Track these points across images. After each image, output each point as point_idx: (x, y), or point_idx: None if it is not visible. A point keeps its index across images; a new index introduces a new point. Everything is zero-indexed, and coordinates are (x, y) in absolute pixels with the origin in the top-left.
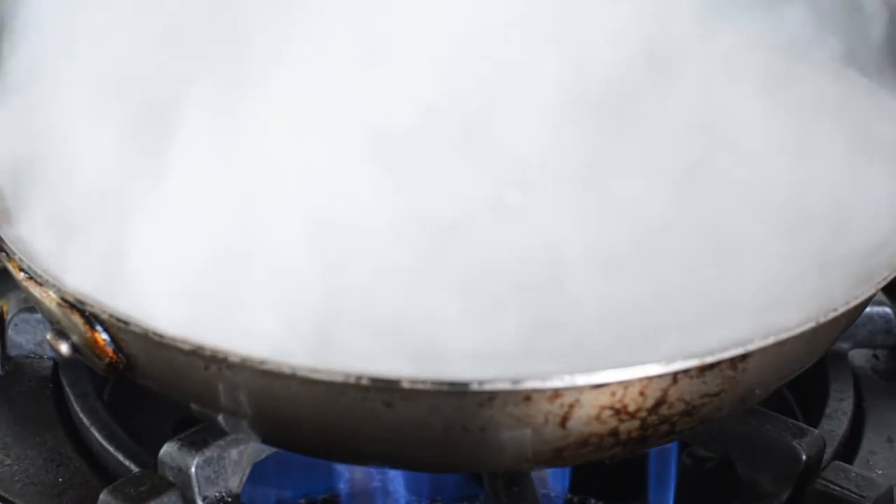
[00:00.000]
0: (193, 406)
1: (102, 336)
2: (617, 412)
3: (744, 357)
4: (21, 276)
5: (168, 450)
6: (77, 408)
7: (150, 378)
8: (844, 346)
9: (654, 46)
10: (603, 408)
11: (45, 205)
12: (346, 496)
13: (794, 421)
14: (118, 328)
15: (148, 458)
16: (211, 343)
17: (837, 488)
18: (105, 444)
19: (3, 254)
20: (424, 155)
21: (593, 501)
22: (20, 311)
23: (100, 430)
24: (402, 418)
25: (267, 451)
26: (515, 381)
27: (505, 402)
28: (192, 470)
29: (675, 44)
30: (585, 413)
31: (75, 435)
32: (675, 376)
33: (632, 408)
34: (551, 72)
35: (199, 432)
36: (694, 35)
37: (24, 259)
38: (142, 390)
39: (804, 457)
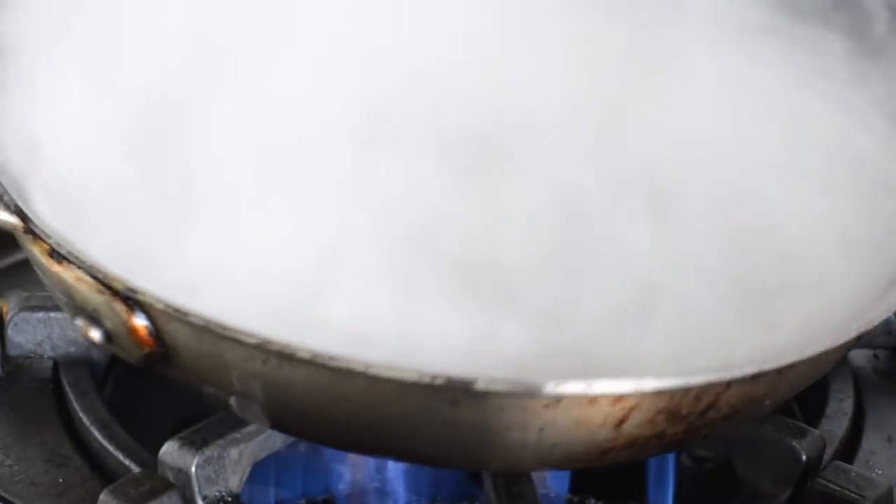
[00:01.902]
0: (233, 400)
1: (143, 323)
2: (670, 416)
3: (792, 366)
4: (48, 260)
5: (168, 450)
6: (77, 408)
7: (190, 370)
8: None
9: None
10: (658, 412)
11: (47, 191)
12: (346, 496)
13: (794, 421)
14: (168, 316)
15: (148, 458)
16: (278, 337)
17: (837, 488)
18: (105, 444)
19: (30, 235)
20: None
21: (593, 501)
22: (20, 310)
23: (100, 430)
24: (465, 418)
25: (267, 450)
26: (588, 384)
27: (571, 404)
28: (192, 470)
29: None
30: (642, 417)
31: (75, 435)
32: (729, 383)
33: (684, 412)
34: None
35: (199, 432)
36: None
37: (60, 241)
38: (142, 390)
39: (804, 457)
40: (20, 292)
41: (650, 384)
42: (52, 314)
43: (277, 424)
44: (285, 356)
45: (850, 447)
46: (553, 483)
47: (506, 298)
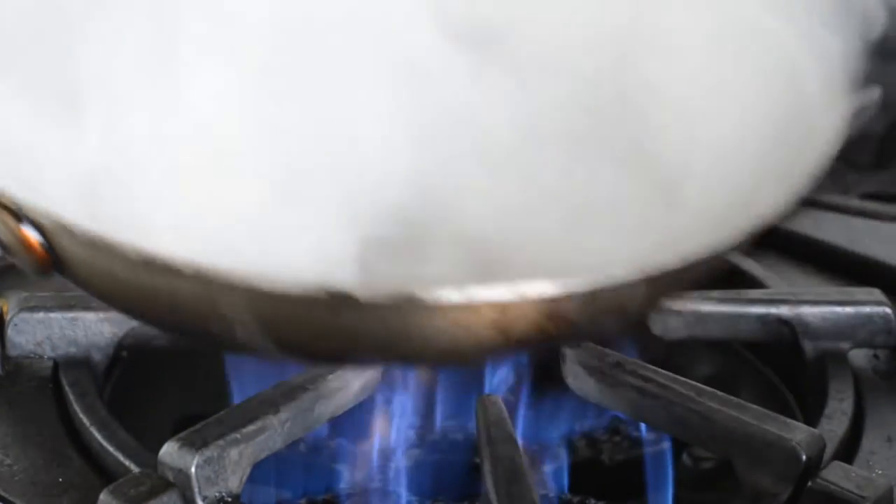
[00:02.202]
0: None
1: (34, 236)
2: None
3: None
4: None
5: (168, 450)
6: (77, 408)
7: (84, 282)
8: (844, 346)
9: None
10: (541, 315)
11: None
12: (346, 496)
13: (794, 421)
14: (55, 230)
15: (148, 457)
16: (164, 254)
17: (837, 488)
18: (105, 444)
19: None
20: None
21: (593, 501)
22: (20, 310)
23: (100, 430)
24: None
25: (267, 451)
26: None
27: (447, 312)
28: (192, 470)
29: None
30: (523, 322)
31: (75, 435)
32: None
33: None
34: None
35: (199, 432)
36: None
37: None
38: (142, 390)
39: (804, 457)
40: (20, 292)
41: (526, 289)
42: (52, 314)
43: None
44: (171, 270)
45: (850, 447)
46: (553, 483)
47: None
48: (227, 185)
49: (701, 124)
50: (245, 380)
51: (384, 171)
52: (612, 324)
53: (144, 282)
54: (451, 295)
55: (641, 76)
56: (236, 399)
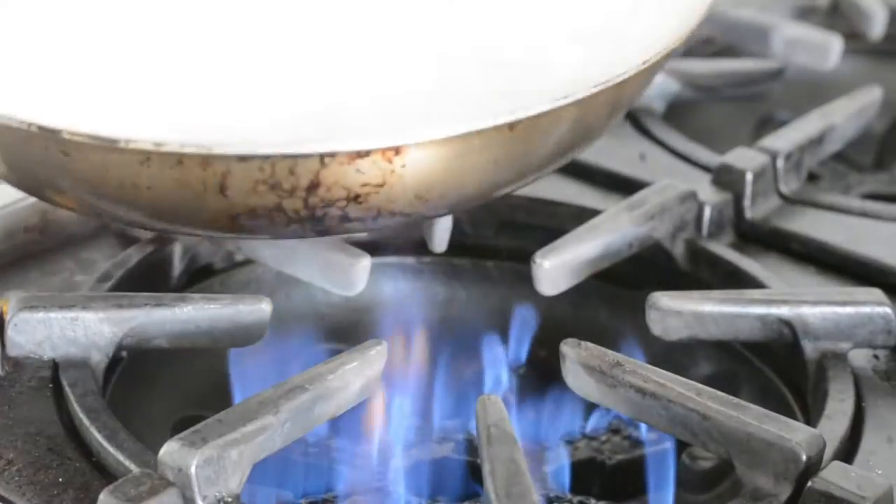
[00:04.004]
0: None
1: None
2: (273, 187)
3: (397, 150)
4: None
5: (168, 450)
6: (77, 408)
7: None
8: (844, 346)
9: None
10: (256, 181)
11: None
12: (346, 496)
13: (794, 421)
14: None
15: (148, 457)
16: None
17: (837, 488)
18: (105, 444)
19: None
20: None
21: (593, 501)
22: (20, 310)
23: (100, 430)
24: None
25: (267, 451)
26: (158, 144)
27: (161, 164)
28: (192, 470)
29: None
30: (240, 185)
31: (75, 435)
32: (322, 159)
33: (286, 186)
34: None
35: (199, 432)
36: None
37: None
38: (142, 390)
39: (804, 457)
40: (20, 292)
41: (219, 149)
42: (52, 314)
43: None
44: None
45: (850, 447)
46: (553, 483)
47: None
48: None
49: None
50: (248, 380)
51: None
52: None
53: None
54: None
55: None
56: (237, 399)
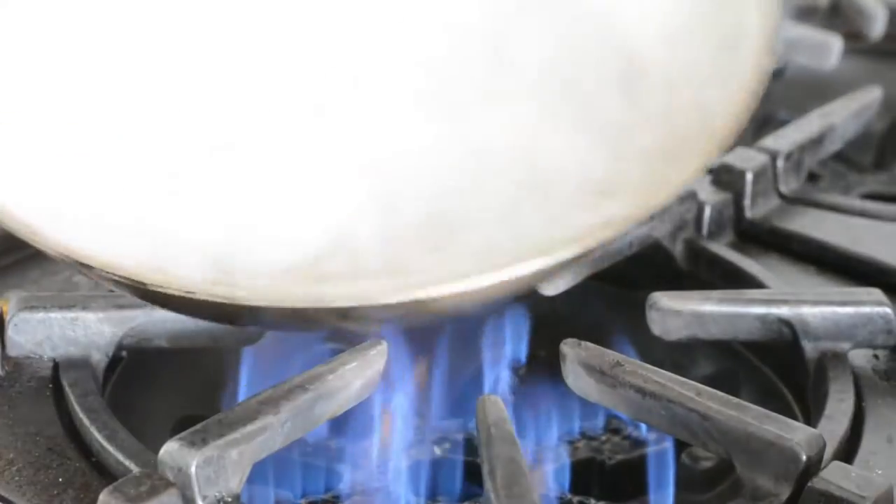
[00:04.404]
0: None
1: None
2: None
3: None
4: None
5: (168, 450)
6: (77, 408)
7: None
8: (844, 346)
9: None
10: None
11: None
12: (346, 496)
13: (794, 421)
14: None
15: (148, 457)
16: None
17: (837, 488)
18: (105, 444)
19: None
20: None
21: (593, 501)
22: (20, 310)
23: (100, 430)
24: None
25: (267, 451)
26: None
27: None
28: (192, 470)
29: None
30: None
31: (75, 435)
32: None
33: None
34: None
35: (199, 432)
36: None
37: None
38: (142, 390)
39: (804, 457)
40: (20, 292)
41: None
42: (52, 314)
43: None
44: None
45: (850, 447)
46: (553, 483)
47: None
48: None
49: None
50: (248, 380)
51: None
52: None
53: None
54: None
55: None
56: (237, 399)
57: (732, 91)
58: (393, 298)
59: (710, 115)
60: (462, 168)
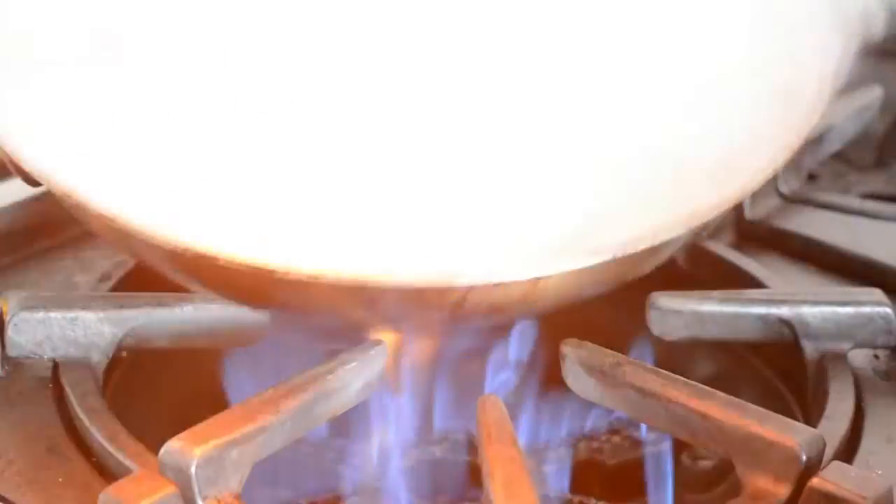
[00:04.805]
0: None
1: None
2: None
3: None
4: None
5: (168, 450)
6: (77, 408)
7: None
8: (844, 346)
9: None
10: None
11: None
12: (346, 496)
13: (794, 421)
14: None
15: (148, 458)
16: None
17: (837, 488)
18: (105, 444)
19: None
20: None
21: (593, 501)
22: (20, 310)
23: (100, 430)
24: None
25: (267, 451)
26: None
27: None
28: (192, 470)
29: None
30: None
31: (75, 435)
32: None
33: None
34: None
35: (199, 432)
36: None
37: None
38: (142, 390)
39: (804, 457)
40: (20, 292)
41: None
42: (52, 314)
43: None
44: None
45: (850, 447)
46: (553, 483)
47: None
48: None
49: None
50: (247, 380)
51: None
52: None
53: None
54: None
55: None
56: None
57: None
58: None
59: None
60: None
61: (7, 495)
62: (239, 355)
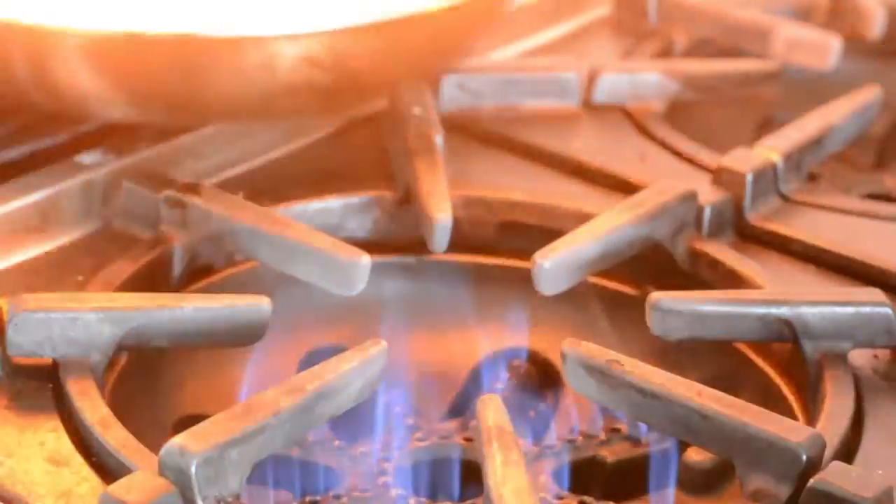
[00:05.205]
0: None
1: None
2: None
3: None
4: None
5: (168, 450)
6: (77, 408)
7: None
8: (844, 346)
9: None
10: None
11: None
12: (346, 496)
13: (794, 421)
14: None
15: (148, 458)
16: None
17: (837, 488)
18: (105, 444)
19: None
20: None
21: (593, 501)
22: (20, 310)
23: (100, 430)
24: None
25: (267, 451)
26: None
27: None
28: (192, 470)
29: None
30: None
31: (75, 435)
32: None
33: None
34: None
35: (199, 432)
36: None
37: None
38: (142, 390)
39: (804, 457)
40: (20, 292)
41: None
42: (52, 314)
43: None
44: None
45: (850, 447)
46: (553, 483)
47: None
48: None
49: None
50: (248, 380)
51: None
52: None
53: None
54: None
55: None
56: (237, 399)
57: None
58: None
59: None
60: None
61: (7, 495)
62: (239, 355)
